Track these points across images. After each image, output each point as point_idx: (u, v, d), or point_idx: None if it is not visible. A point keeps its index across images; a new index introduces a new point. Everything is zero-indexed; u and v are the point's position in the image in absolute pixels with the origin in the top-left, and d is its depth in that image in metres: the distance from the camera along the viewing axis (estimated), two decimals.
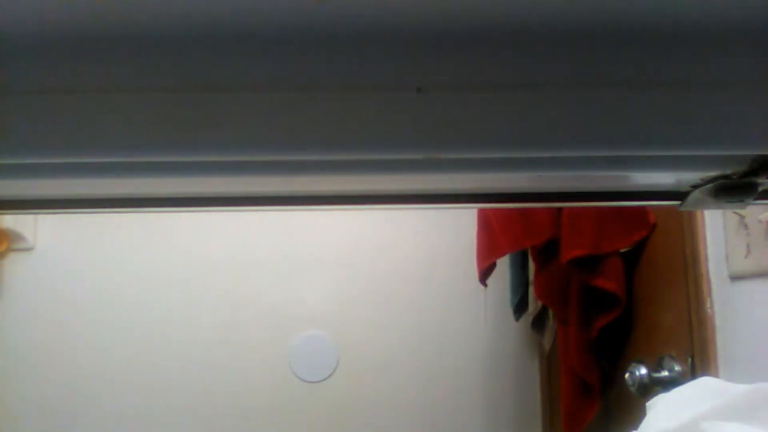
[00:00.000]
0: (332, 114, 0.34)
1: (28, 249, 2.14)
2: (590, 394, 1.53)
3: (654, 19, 0.33)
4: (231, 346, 2.12)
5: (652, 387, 1.30)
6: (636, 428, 0.80)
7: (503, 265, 1.94)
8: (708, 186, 0.43)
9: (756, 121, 0.35)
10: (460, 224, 2.10)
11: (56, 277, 2.13)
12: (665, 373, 1.29)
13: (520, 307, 1.94)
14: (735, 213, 1.08)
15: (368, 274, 2.16)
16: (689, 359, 1.22)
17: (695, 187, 0.44)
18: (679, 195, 0.46)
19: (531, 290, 1.82)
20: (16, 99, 0.34)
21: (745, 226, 1.06)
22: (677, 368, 1.27)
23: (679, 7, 0.33)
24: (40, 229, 2.15)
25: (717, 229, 1.16)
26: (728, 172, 0.41)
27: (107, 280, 2.13)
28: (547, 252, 1.59)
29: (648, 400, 0.84)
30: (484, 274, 1.77)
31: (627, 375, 1.35)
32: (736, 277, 1.11)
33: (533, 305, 1.85)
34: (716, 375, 1.12)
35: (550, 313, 1.78)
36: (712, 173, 0.42)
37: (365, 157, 0.38)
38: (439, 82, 0.34)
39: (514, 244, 1.67)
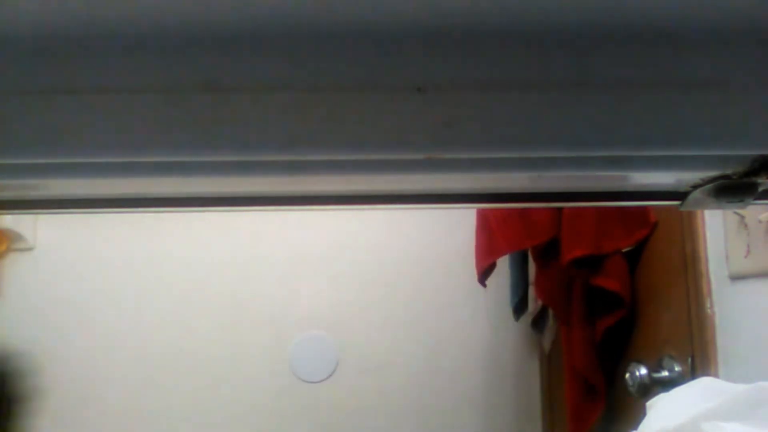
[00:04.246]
0: (332, 114, 0.34)
1: (28, 249, 2.14)
2: (594, 395, 1.53)
3: (654, 19, 0.33)
4: (231, 346, 2.11)
5: (652, 387, 1.30)
6: (636, 428, 0.80)
7: (503, 265, 1.93)
8: (708, 186, 0.43)
9: (756, 121, 0.35)
10: (460, 224, 2.10)
11: (56, 277, 2.13)
12: (665, 373, 1.29)
13: (520, 307, 1.94)
14: (735, 213, 1.08)
15: (368, 274, 2.16)
16: (689, 359, 1.22)
17: (695, 187, 0.44)
18: (679, 195, 0.46)
19: (531, 290, 1.82)
20: (16, 99, 0.34)
21: (745, 226, 1.06)
22: (677, 368, 1.27)
23: (680, 7, 0.33)
24: (40, 229, 2.15)
25: (717, 229, 1.16)
26: (728, 172, 0.41)
27: (107, 280, 2.13)
28: (548, 252, 1.59)
29: (648, 400, 0.84)
30: (484, 274, 1.77)
31: (627, 375, 1.35)
32: (736, 277, 1.11)
33: (533, 305, 1.85)
34: (716, 375, 1.12)
35: (551, 313, 1.78)
36: (712, 173, 0.42)
37: (365, 157, 0.38)
38: (439, 82, 0.34)
39: (513, 244, 1.67)
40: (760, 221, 1.02)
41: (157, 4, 0.32)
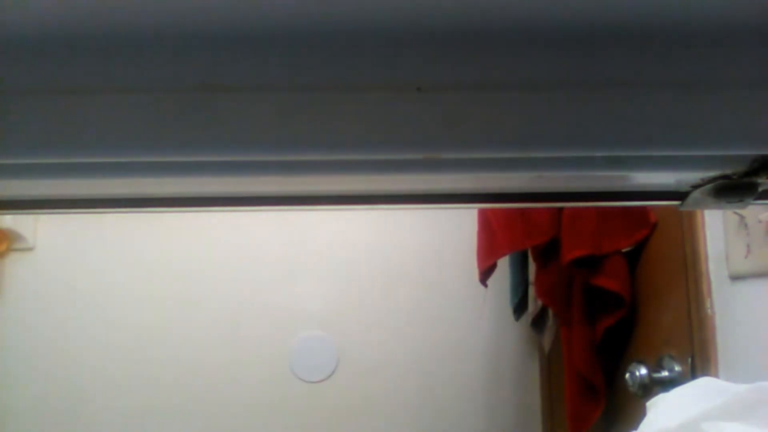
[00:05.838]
0: (332, 114, 0.34)
1: (28, 249, 2.14)
2: (595, 395, 1.53)
3: (654, 19, 0.33)
4: (231, 346, 2.11)
5: (652, 387, 1.30)
6: (636, 428, 0.80)
7: (503, 265, 1.93)
8: (708, 186, 0.43)
9: (756, 121, 0.35)
10: (460, 224, 2.10)
11: (56, 277, 2.13)
12: (665, 373, 1.29)
13: (520, 307, 1.94)
14: (735, 213, 1.08)
15: (368, 274, 2.16)
16: (689, 359, 1.22)
17: (695, 187, 0.44)
18: (679, 195, 0.46)
19: (531, 290, 1.82)
20: (16, 99, 0.34)
21: (745, 226, 1.06)
22: (677, 368, 1.27)
23: (680, 7, 0.33)
24: (40, 229, 2.15)
25: (717, 229, 1.16)
26: (728, 172, 0.41)
27: (107, 280, 2.13)
28: (548, 252, 1.59)
29: (648, 400, 0.84)
30: (485, 274, 1.77)
31: (627, 375, 1.35)
32: (736, 277, 1.11)
33: (533, 305, 1.84)
34: (716, 375, 1.12)
35: (550, 313, 1.78)
36: (712, 173, 0.42)
37: (365, 157, 0.38)
38: (439, 82, 0.34)
39: (514, 244, 1.67)
40: (760, 221, 1.02)
41: (156, 4, 0.32)
